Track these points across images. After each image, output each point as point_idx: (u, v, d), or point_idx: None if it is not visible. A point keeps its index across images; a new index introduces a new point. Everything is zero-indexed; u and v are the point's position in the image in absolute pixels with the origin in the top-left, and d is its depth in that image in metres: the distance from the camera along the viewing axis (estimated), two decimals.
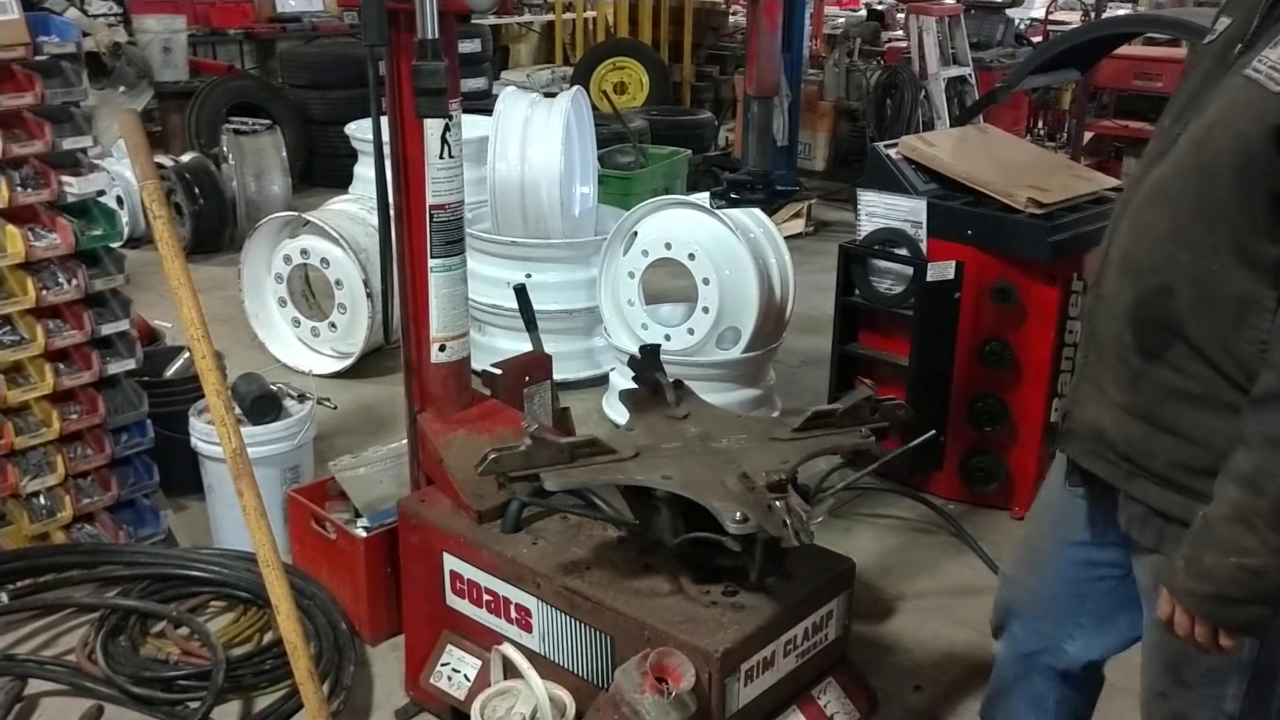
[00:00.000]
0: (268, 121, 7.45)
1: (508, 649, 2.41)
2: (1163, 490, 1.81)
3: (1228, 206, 1.67)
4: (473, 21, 8.96)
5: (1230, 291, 1.69)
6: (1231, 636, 1.70)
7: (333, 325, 5.05)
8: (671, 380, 2.70)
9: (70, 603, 3.19)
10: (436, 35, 2.39)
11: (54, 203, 3.20)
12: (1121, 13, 9.05)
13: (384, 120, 2.67)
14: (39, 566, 3.22)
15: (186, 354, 3.91)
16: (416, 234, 2.69)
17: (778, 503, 2.10)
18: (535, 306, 3.89)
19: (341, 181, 6.96)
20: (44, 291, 3.17)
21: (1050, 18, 10.83)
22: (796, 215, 7.33)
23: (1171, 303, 1.74)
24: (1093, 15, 9.11)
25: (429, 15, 2.36)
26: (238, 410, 3.32)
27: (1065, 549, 2.11)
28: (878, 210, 3.85)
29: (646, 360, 2.71)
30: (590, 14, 11.62)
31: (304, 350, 5.16)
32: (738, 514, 2.09)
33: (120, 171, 6.19)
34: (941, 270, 3.72)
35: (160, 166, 6.43)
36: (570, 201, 4.95)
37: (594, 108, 5.61)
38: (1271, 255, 1.66)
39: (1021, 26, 10.62)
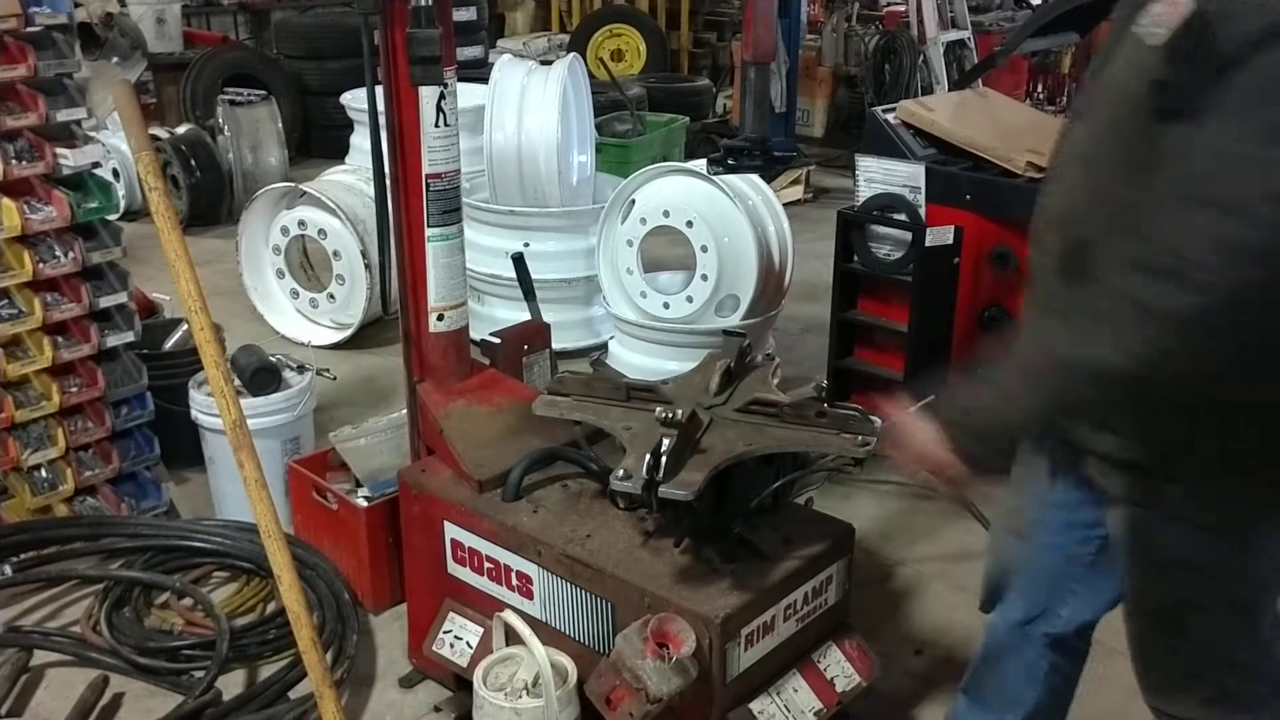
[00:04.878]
0: (263, 92, 7.41)
1: (509, 616, 2.42)
2: (1110, 435, 1.82)
3: (1135, 163, 1.66)
4: None
5: None
6: (957, 464, 1.78)
7: (331, 296, 5.05)
8: (764, 354, 2.65)
9: (74, 575, 3.20)
10: (430, 2, 2.37)
11: (49, 175, 3.19)
12: None
13: (379, 90, 2.66)
14: (42, 539, 3.24)
15: (185, 326, 3.91)
16: (413, 204, 2.69)
17: (648, 457, 2.08)
18: (533, 276, 3.89)
19: (338, 152, 6.94)
20: (41, 265, 3.17)
21: None
22: (795, 182, 7.31)
23: (1094, 257, 1.75)
24: None
25: None
26: (237, 382, 3.32)
27: (1047, 515, 2.11)
28: (876, 176, 3.84)
29: (731, 341, 2.66)
30: None
31: (303, 322, 5.16)
32: (621, 471, 2.10)
33: (116, 144, 6.16)
34: (940, 235, 3.71)
35: (156, 139, 6.42)
36: (568, 170, 4.93)
37: (591, 75, 5.58)
38: None
39: None
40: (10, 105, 3.11)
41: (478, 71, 6.74)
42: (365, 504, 3.08)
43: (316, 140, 8.21)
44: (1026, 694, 2.27)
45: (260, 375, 3.47)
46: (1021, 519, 2.19)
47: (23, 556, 3.19)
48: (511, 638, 2.45)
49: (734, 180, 4.22)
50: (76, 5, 7.05)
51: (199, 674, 2.80)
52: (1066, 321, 1.67)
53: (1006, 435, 1.82)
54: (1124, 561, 1.94)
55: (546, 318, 3.80)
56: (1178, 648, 1.94)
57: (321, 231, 4.93)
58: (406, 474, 2.74)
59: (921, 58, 7.80)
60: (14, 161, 3.11)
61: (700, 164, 4.24)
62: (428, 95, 2.56)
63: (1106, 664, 2.35)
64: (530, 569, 2.44)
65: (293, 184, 5.21)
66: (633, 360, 4.47)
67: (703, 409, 2.34)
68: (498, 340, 3.44)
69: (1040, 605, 2.19)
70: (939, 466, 1.81)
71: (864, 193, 3.88)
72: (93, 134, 3.53)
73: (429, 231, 2.69)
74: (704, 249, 4.24)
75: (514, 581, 2.49)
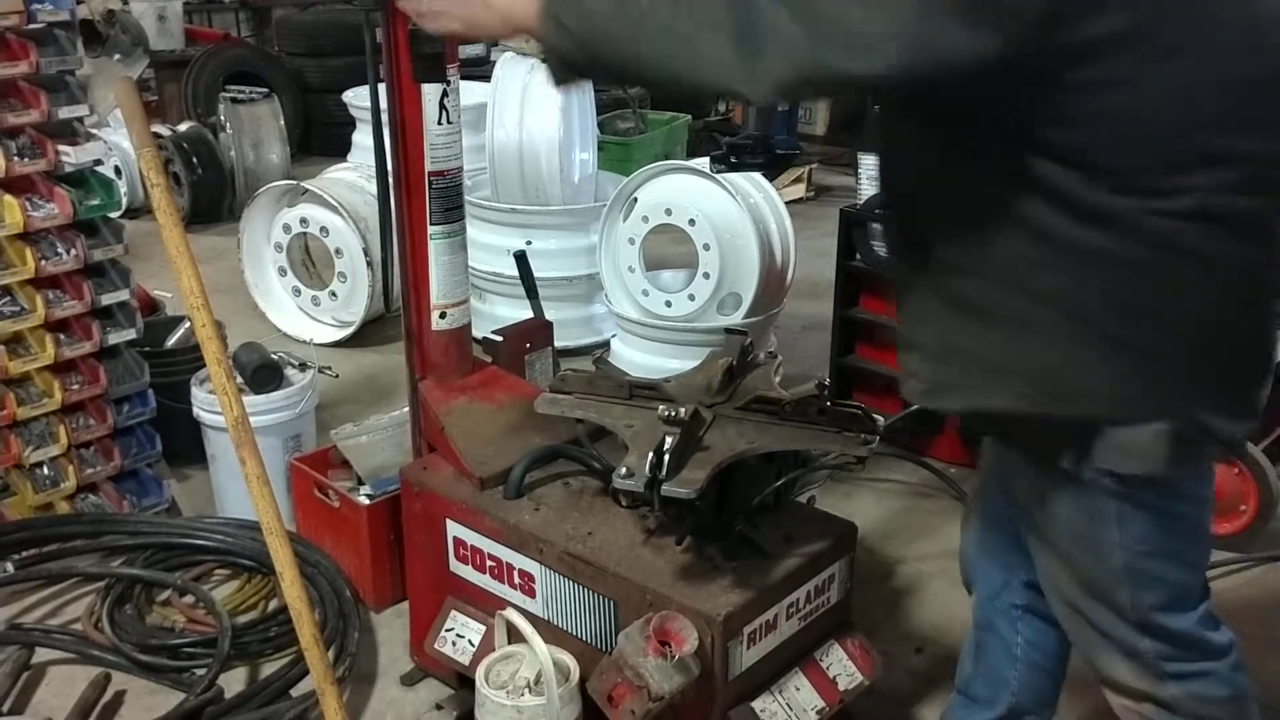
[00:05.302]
0: (265, 90, 7.41)
1: (511, 614, 2.42)
2: (913, 353, 1.88)
3: None
4: None
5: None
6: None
7: (333, 294, 5.04)
8: (767, 352, 2.65)
9: (75, 572, 3.20)
10: None
11: (51, 173, 3.19)
12: None
13: (382, 87, 2.65)
14: (43, 536, 3.24)
15: (187, 324, 3.91)
16: (416, 201, 2.68)
17: (651, 455, 2.09)
18: (535, 273, 3.89)
19: (340, 150, 6.93)
20: (43, 262, 3.17)
21: None
22: (797, 180, 7.30)
23: None
24: None
25: None
26: (239, 379, 3.32)
27: (994, 490, 2.17)
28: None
29: (733, 339, 2.66)
30: None
31: (304, 319, 5.16)
32: (623, 469, 2.10)
33: (117, 141, 6.16)
34: None
35: (158, 136, 6.42)
36: (570, 168, 4.93)
37: None
38: None
39: None
40: (12, 102, 3.11)
41: (480, 69, 6.74)
42: (367, 501, 3.08)
43: (318, 138, 8.19)
44: (1008, 673, 2.29)
45: (262, 373, 3.47)
46: (977, 494, 2.26)
47: (24, 554, 3.20)
48: (513, 635, 2.45)
49: (736, 178, 4.22)
50: (79, 2, 7.04)
51: (200, 671, 2.80)
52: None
53: (574, 22, 1.74)
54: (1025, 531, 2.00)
55: (548, 315, 3.80)
56: (1086, 613, 1.96)
57: (323, 229, 4.93)
58: (408, 471, 2.74)
59: None
60: (16, 158, 3.11)
61: (703, 162, 4.24)
62: (430, 93, 2.56)
63: None
64: (532, 567, 2.44)
65: (294, 181, 5.20)
66: (634, 358, 4.46)
67: (705, 407, 2.34)
68: (500, 338, 3.45)
69: (1000, 577, 2.23)
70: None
71: (866, 191, 3.87)
72: (94, 131, 3.53)
73: (431, 229, 2.69)
74: (706, 247, 4.24)
75: (516, 579, 2.49)
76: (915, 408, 2.60)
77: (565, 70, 1.83)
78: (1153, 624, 1.88)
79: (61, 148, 3.18)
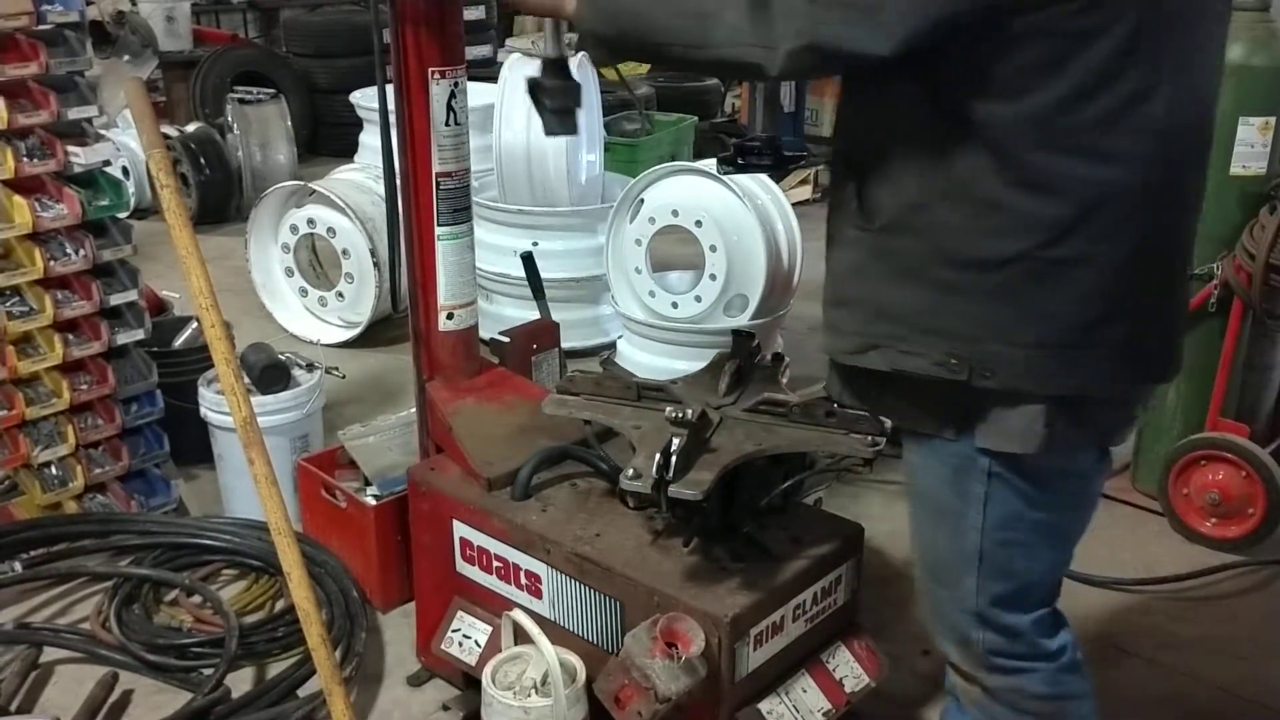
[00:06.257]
0: (272, 91, 7.42)
1: (518, 615, 2.43)
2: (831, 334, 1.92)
3: None
4: None
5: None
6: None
7: (340, 295, 5.05)
8: (774, 353, 2.65)
9: (83, 572, 3.21)
10: (562, 54, 2.37)
11: (60, 173, 3.20)
12: None
13: (389, 88, 2.66)
14: (51, 536, 3.24)
15: (195, 324, 3.92)
16: (423, 202, 2.69)
17: (658, 456, 2.10)
18: (542, 275, 3.90)
19: (347, 150, 6.94)
20: (52, 262, 3.17)
21: None
22: (804, 182, 7.29)
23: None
24: None
25: (557, 35, 2.37)
26: (247, 379, 3.33)
27: None
28: None
29: (740, 341, 2.66)
30: None
31: (312, 320, 5.16)
32: (630, 470, 2.10)
33: (125, 142, 6.18)
34: None
35: (166, 136, 6.42)
36: (576, 169, 4.93)
37: (599, 74, 5.58)
38: None
39: None
40: (22, 102, 3.12)
41: (487, 70, 6.74)
42: (374, 502, 3.08)
43: (325, 138, 8.20)
44: None
45: (269, 373, 3.48)
46: None
47: (33, 553, 3.20)
48: (520, 636, 2.45)
49: (743, 180, 4.22)
50: (88, 3, 7.08)
51: (208, 671, 2.80)
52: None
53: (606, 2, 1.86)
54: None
55: (555, 316, 3.80)
56: (930, 593, 1.99)
57: (330, 230, 4.93)
58: (415, 472, 2.75)
59: None
60: (25, 159, 3.12)
61: (709, 163, 4.24)
62: (438, 94, 2.56)
63: (1114, 668, 2.35)
64: (539, 568, 2.44)
65: (302, 182, 5.21)
66: (641, 359, 4.47)
67: (712, 408, 2.34)
68: (507, 339, 3.45)
69: None
70: None
71: None
72: (103, 131, 3.54)
73: (439, 230, 2.69)
74: (712, 248, 4.24)
75: (523, 580, 2.49)
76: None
77: (600, 50, 1.90)
78: (989, 617, 1.90)
79: (71, 148, 3.19)
